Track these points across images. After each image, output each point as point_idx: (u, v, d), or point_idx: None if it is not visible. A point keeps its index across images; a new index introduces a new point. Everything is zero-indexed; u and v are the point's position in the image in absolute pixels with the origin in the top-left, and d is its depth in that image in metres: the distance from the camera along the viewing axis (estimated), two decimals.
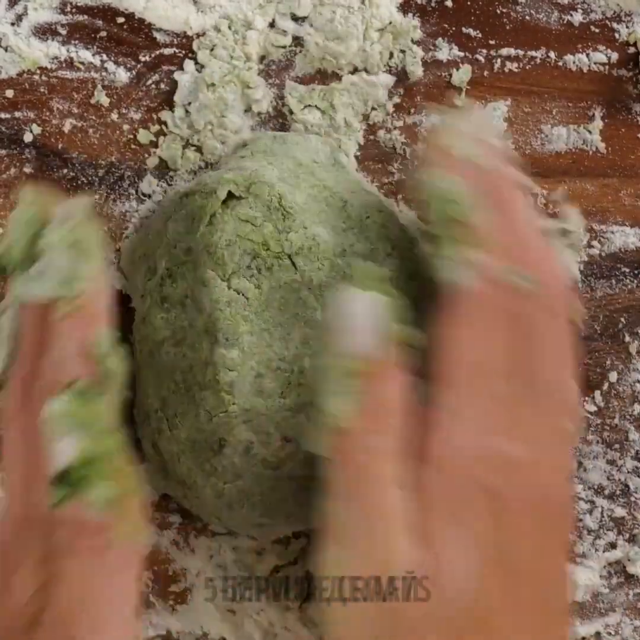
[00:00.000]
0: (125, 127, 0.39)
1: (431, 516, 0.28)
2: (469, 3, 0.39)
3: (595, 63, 0.39)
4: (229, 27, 0.39)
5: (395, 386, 0.29)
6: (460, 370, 0.29)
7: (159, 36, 0.39)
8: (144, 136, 0.39)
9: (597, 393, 0.39)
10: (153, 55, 0.39)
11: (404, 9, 0.39)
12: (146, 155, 0.39)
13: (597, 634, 0.39)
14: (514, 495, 0.29)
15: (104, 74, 0.39)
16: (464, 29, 0.39)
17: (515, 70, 0.39)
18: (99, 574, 0.28)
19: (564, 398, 0.31)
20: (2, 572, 0.29)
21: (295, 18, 0.39)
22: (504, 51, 0.39)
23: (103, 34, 0.39)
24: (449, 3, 0.39)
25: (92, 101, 0.39)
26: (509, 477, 0.29)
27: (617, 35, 0.39)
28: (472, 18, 0.39)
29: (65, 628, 0.27)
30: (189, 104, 0.39)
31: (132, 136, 0.39)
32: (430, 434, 0.29)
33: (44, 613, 0.28)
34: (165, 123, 0.39)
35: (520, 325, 0.30)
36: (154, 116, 0.39)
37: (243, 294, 0.32)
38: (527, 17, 0.39)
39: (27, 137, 0.39)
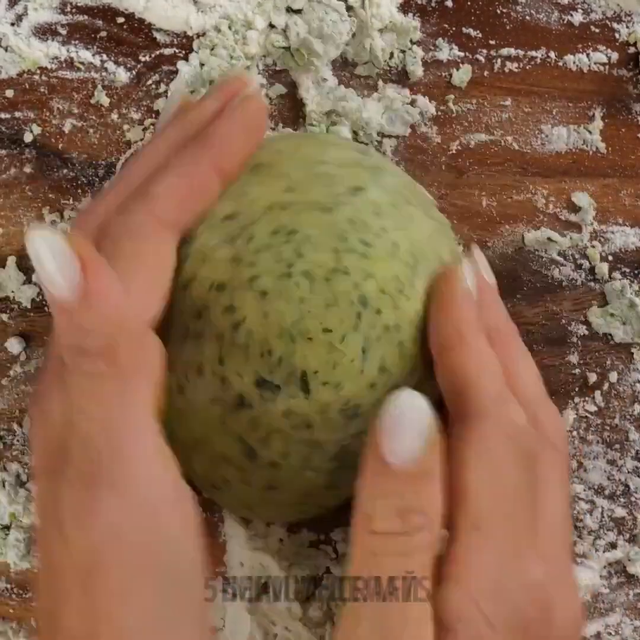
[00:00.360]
0: (125, 127, 0.39)
1: (448, 636, 0.28)
2: (469, 3, 0.39)
3: (595, 63, 0.39)
4: (229, 27, 0.39)
5: (435, 494, 0.29)
6: (482, 501, 0.29)
7: (159, 36, 0.39)
8: (144, 136, 0.39)
9: (597, 393, 0.39)
10: (153, 55, 0.39)
11: (404, 9, 0.39)
12: None
13: (597, 634, 0.39)
14: (541, 623, 0.29)
15: (104, 74, 0.39)
16: (464, 29, 0.39)
17: (516, 70, 0.39)
18: (111, 392, 0.28)
19: (565, 533, 0.31)
20: (38, 400, 0.29)
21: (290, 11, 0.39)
22: (504, 51, 0.39)
23: (103, 34, 0.39)
24: (449, 3, 0.39)
25: (92, 101, 0.39)
26: (535, 603, 0.29)
27: (617, 35, 0.39)
28: (472, 18, 0.39)
29: (88, 453, 0.27)
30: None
31: (132, 136, 0.39)
32: (456, 555, 0.29)
33: (69, 440, 0.28)
34: None
35: (527, 459, 0.30)
36: (154, 116, 0.39)
37: None
38: (527, 17, 0.39)
39: (27, 137, 0.39)
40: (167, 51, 0.39)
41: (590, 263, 0.39)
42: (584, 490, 0.39)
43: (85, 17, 0.39)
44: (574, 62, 0.39)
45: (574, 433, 0.39)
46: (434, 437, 0.28)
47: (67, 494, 0.27)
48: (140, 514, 0.27)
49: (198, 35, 0.39)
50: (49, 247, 0.27)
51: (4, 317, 0.39)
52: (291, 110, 0.39)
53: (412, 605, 0.28)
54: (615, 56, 0.39)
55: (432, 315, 0.32)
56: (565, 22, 0.40)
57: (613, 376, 0.39)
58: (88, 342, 0.28)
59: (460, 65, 0.39)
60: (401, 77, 0.39)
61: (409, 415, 0.28)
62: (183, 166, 0.31)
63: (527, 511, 0.30)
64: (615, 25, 0.40)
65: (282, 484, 0.32)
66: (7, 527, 0.39)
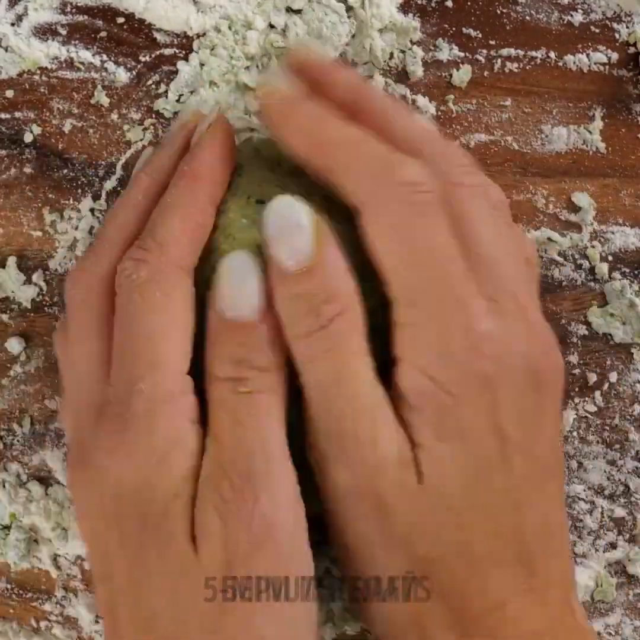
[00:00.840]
0: (125, 127, 0.39)
1: (413, 411, 0.28)
2: (469, 3, 0.39)
3: (595, 63, 0.39)
4: (229, 28, 0.39)
5: (338, 282, 0.29)
6: (403, 274, 0.29)
7: (159, 36, 0.39)
8: (144, 136, 0.39)
9: (597, 393, 0.39)
10: (153, 56, 0.39)
11: (404, 9, 0.39)
12: None
13: (597, 634, 0.39)
14: (500, 372, 0.29)
15: (104, 74, 0.39)
16: (464, 29, 0.39)
17: (516, 70, 0.39)
18: (269, 408, 0.29)
19: (509, 265, 0.31)
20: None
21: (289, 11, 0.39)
22: (504, 51, 0.39)
23: (103, 34, 0.39)
24: (449, 3, 0.39)
25: (92, 101, 0.39)
26: (487, 355, 0.29)
27: (617, 35, 0.39)
28: (472, 18, 0.39)
29: (247, 463, 0.28)
30: (182, 95, 0.39)
31: (132, 136, 0.39)
32: (397, 337, 0.29)
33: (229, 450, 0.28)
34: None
35: (438, 210, 0.30)
36: (154, 116, 0.39)
37: None
38: (527, 17, 0.39)
39: (27, 137, 0.39)
40: (167, 51, 0.39)
41: (590, 263, 0.39)
42: (584, 490, 0.39)
43: (85, 17, 0.39)
44: (574, 62, 0.39)
45: (574, 433, 0.39)
46: (318, 232, 0.29)
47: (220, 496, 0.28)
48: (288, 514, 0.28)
49: (198, 36, 0.39)
50: (244, 266, 0.29)
51: (4, 317, 0.39)
52: None
53: (365, 394, 0.29)
54: (615, 56, 0.39)
55: (283, 140, 0.32)
56: (565, 22, 0.40)
57: (613, 376, 0.39)
58: (259, 360, 0.29)
59: (460, 65, 0.39)
60: (401, 77, 0.39)
61: (289, 218, 0.29)
62: (184, 207, 0.31)
63: (457, 263, 0.29)
64: (615, 25, 0.40)
65: None
66: (7, 527, 0.39)
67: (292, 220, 0.29)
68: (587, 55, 0.39)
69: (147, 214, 0.32)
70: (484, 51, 0.39)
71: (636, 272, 0.39)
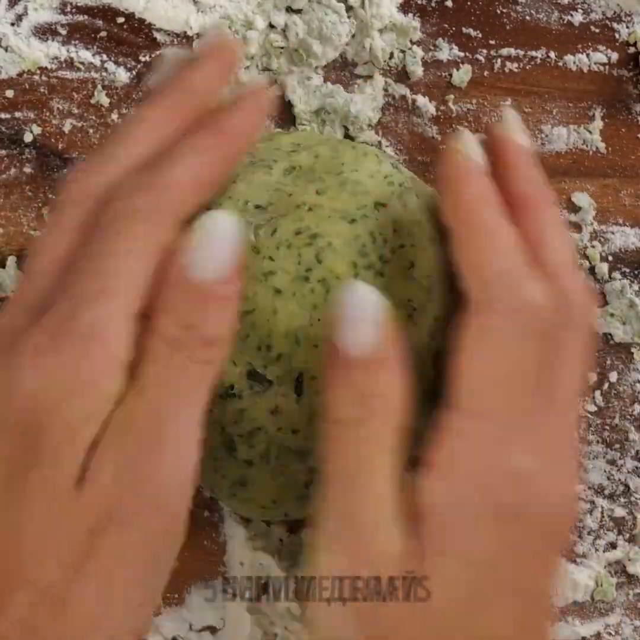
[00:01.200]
0: None
1: (427, 521, 0.28)
2: (469, 3, 0.39)
3: (595, 63, 0.39)
4: (229, 27, 0.39)
5: (393, 379, 0.29)
6: (475, 383, 0.29)
7: (159, 36, 0.39)
8: None
9: (597, 393, 0.39)
10: (153, 56, 0.39)
11: (404, 9, 0.39)
12: None
13: (597, 634, 0.39)
14: (521, 511, 0.28)
15: (104, 74, 0.39)
16: (464, 29, 0.39)
17: (516, 70, 0.39)
18: (204, 379, 0.28)
19: (574, 410, 0.30)
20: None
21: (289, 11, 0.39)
22: (504, 51, 0.39)
23: (103, 34, 0.39)
24: (449, 3, 0.39)
25: (92, 101, 0.39)
26: (518, 491, 0.28)
27: (617, 35, 0.39)
28: (472, 18, 0.39)
29: (156, 418, 0.27)
30: None
31: None
32: (438, 441, 0.28)
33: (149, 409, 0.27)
34: None
35: (542, 339, 0.29)
36: None
37: None
38: (527, 17, 0.40)
39: (27, 137, 0.39)
40: None
41: (590, 263, 0.39)
42: (584, 490, 0.39)
43: (85, 17, 0.39)
44: (574, 62, 0.39)
45: (574, 433, 0.39)
46: (387, 326, 0.28)
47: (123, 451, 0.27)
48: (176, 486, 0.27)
49: (198, 35, 0.39)
50: (230, 228, 0.27)
51: None
52: (286, 112, 0.39)
53: (375, 490, 0.28)
54: (615, 56, 0.39)
55: (442, 201, 0.31)
56: (565, 22, 0.40)
57: (613, 376, 0.39)
58: (207, 331, 0.27)
59: (460, 65, 0.39)
60: (401, 77, 0.39)
61: (362, 306, 0.28)
62: (199, 158, 0.30)
63: (528, 396, 0.29)
64: (615, 25, 0.40)
65: (253, 483, 0.32)
66: None
67: (367, 310, 0.28)
68: (587, 55, 0.39)
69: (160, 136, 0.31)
70: (484, 51, 0.39)
71: (636, 272, 0.39)
